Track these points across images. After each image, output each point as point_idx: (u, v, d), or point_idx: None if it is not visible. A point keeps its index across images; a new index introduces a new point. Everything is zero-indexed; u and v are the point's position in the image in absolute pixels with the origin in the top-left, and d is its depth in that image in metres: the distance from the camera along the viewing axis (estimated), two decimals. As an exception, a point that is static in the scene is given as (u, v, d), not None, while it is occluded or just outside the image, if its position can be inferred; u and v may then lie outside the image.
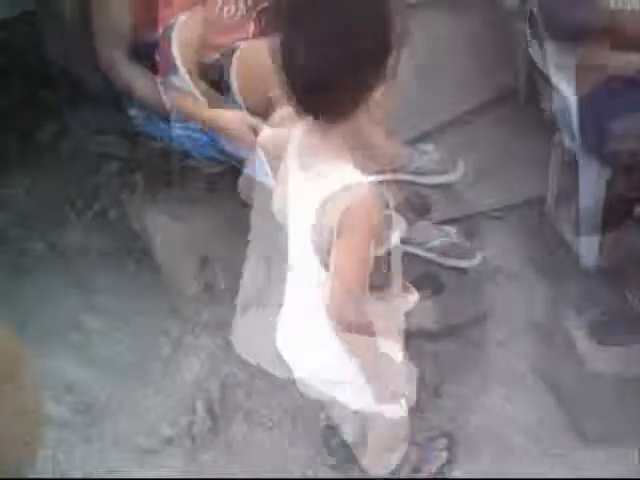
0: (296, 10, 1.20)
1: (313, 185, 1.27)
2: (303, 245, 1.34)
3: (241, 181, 1.66)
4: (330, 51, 1.17)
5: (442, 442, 1.80)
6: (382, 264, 1.37)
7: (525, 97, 2.70)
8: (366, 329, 1.34)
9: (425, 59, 2.60)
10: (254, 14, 2.09)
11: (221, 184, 2.24)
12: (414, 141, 2.38)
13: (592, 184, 2.10)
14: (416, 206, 2.10)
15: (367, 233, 1.26)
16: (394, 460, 1.74)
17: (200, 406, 1.92)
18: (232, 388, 1.99)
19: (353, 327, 1.32)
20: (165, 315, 2.24)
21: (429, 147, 2.16)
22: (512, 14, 2.48)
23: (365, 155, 1.37)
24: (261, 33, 2.10)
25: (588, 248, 2.14)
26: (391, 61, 1.23)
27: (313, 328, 1.41)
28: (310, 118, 1.28)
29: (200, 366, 2.07)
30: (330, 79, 1.19)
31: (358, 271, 1.28)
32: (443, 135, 2.62)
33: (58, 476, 1.85)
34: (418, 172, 2.10)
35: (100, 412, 1.99)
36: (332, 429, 1.81)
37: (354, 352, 1.37)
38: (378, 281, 1.37)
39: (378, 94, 1.23)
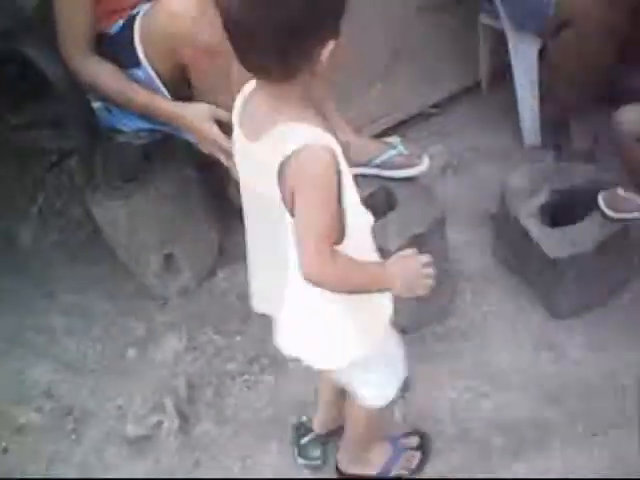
0: None
1: (270, 148, 1.22)
2: (268, 211, 1.29)
3: None
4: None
5: (415, 440, 1.80)
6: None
7: (489, 91, 2.74)
8: (343, 282, 1.29)
9: (389, 52, 2.62)
10: None
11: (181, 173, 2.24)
12: (380, 135, 2.39)
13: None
14: (382, 200, 2.09)
15: (326, 187, 1.21)
16: (370, 458, 1.75)
17: (169, 403, 1.92)
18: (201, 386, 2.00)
19: (331, 285, 1.28)
20: (131, 313, 2.24)
21: (396, 140, 2.15)
22: (477, 4, 2.50)
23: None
24: None
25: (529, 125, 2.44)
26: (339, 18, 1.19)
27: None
28: (258, 84, 1.25)
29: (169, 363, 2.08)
30: (268, 35, 1.14)
31: (321, 227, 1.22)
32: (409, 128, 2.65)
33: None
34: (384, 166, 2.08)
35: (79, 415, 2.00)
36: (303, 427, 1.82)
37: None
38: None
39: (326, 53, 1.18)
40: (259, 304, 1.52)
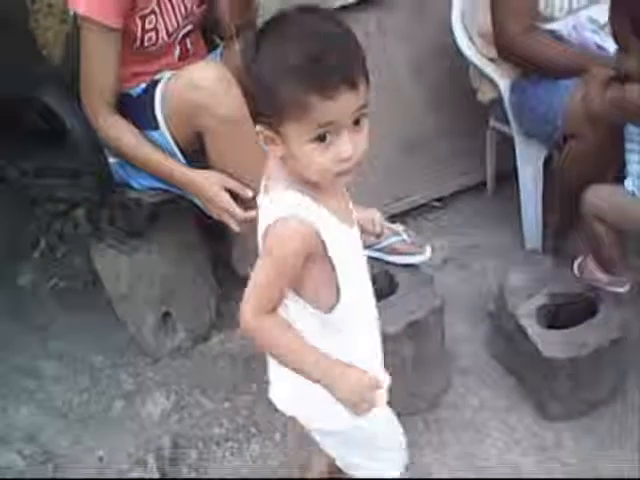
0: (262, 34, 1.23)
1: (266, 211, 1.30)
2: None
3: None
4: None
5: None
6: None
7: (493, 191, 2.82)
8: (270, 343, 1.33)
9: (400, 144, 2.70)
10: (179, 38, 2.13)
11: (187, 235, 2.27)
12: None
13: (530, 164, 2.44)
14: (382, 283, 2.12)
15: (278, 257, 1.27)
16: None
17: (151, 461, 1.89)
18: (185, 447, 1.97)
19: (253, 338, 1.33)
20: (122, 366, 2.23)
21: (399, 228, 2.19)
22: (487, 109, 2.59)
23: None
24: (187, 56, 2.16)
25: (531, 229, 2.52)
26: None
27: None
28: None
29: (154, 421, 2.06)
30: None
31: (256, 288, 1.29)
32: (411, 219, 2.71)
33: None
34: (386, 250, 2.12)
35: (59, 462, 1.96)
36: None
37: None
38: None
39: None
40: None
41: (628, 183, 2.04)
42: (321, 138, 1.20)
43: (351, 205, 1.42)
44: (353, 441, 1.48)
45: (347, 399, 1.31)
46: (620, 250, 2.11)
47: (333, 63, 1.16)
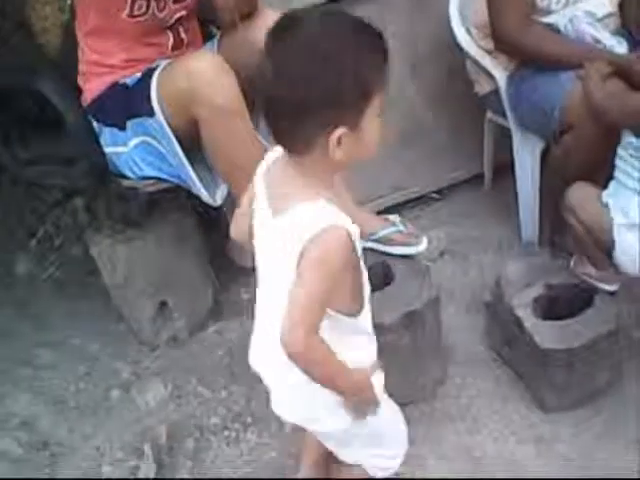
0: (274, 38, 1.22)
1: (288, 229, 1.26)
2: (278, 286, 1.31)
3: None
4: (297, 82, 1.19)
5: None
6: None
7: (490, 183, 2.82)
8: (321, 363, 1.29)
9: (397, 135, 2.70)
10: (171, 22, 2.13)
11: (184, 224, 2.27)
12: (379, 214, 2.44)
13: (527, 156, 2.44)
14: (379, 274, 2.12)
15: (330, 266, 1.24)
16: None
17: (147, 450, 1.89)
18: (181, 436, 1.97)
19: (304, 360, 1.26)
20: (119, 355, 2.24)
21: (396, 219, 2.19)
22: (485, 102, 2.59)
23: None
24: (181, 46, 2.17)
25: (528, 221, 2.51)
26: (359, 104, 1.22)
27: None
28: (283, 152, 1.29)
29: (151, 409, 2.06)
30: (294, 110, 1.20)
31: (309, 306, 1.24)
32: (408, 210, 2.72)
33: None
34: (382, 241, 2.12)
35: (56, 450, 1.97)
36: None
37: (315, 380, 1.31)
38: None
39: (334, 138, 1.21)
40: (254, 360, 1.51)
41: (607, 191, 2.03)
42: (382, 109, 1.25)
43: None
44: (356, 437, 1.48)
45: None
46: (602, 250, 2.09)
47: (379, 33, 1.25)
